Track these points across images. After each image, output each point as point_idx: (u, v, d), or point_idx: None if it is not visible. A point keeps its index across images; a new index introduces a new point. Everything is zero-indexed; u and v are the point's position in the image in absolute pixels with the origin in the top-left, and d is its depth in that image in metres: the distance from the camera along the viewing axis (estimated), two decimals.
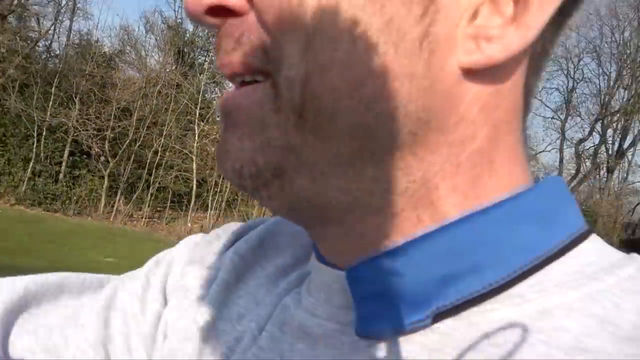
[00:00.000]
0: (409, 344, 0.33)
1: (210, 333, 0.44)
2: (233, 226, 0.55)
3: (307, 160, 0.34)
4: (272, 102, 0.33)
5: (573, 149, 27.47)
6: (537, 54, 0.35)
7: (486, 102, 0.34)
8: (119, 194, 19.16)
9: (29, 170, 17.65)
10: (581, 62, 26.64)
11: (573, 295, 0.31)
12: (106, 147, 18.87)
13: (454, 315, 0.32)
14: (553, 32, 0.36)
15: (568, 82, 27.23)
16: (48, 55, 21.00)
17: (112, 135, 18.81)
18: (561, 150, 27.56)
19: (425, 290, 0.33)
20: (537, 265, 0.32)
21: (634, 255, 0.35)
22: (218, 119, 0.38)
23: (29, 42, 19.61)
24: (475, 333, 0.32)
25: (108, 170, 18.77)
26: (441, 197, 0.33)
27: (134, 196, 19.40)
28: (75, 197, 18.40)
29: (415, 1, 0.31)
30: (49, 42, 20.74)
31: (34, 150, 17.88)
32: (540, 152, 27.98)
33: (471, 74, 0.32)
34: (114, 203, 19.12)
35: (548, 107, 28.07)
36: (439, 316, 0.32)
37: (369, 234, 0.35)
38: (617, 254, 0.35)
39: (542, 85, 27.42)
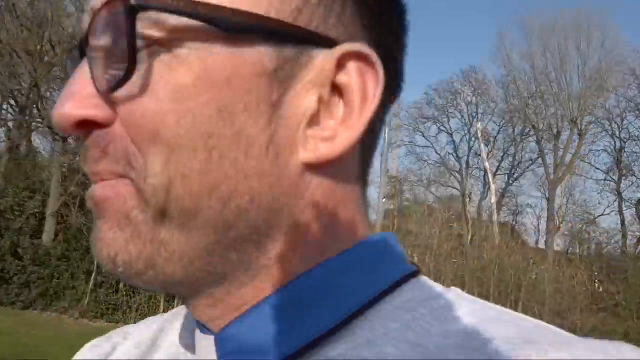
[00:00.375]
0: None
1: None
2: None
3: (175, 251, 0.38)
4: (136, 201, 0.38)
5: (634, 209, 26.45)
6: (367, 141, 0.43)
7: (327, 187, 0.41)
8: (177, 298, 19.25)
9: (91, 282, 18.08)
10: (625, 122, 26.42)
11: (393, 326, 0.38)
12: None
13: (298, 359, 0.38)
14: (384, 112, 0.44)
15: (615, 142, 26.72)
16: None
17: None
18: (621, 212, 26.42)
19: (273, 341, 0.39)
20: (366, 305, 0.39)
21: (453, 288, 0.42)
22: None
23: None
24: None
25: None
26: (293, 266, 0.40)
27: None
28: (135, 306, 18.58)
29: (261, 112, 0.38)
30: None
31: (95, 262, 18.40)
32: (598, 216, 26.94)
33: (313, 168, 0.40)
34: (173, 307, 19.19)
35: (599, 169, 27.21)
36: None
37: (233, 302, 0.41)
38: (436, 290, 0.42)
39: (589, 149, 27.07)
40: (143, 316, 18.81)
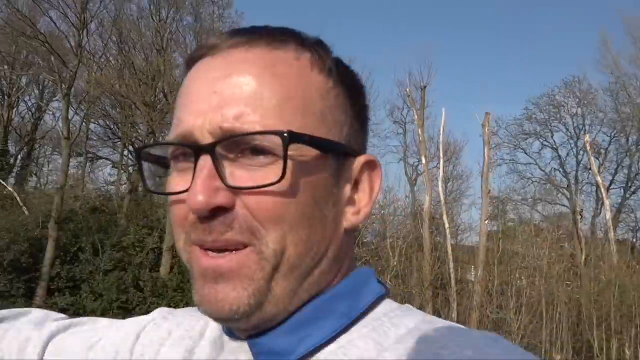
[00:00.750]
0: None
1: None
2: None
3: (277, 295, 0.59)
4: (258, 264, 0.58)
5: None
6: None
7: (348, 242, 0.67)
8: None
9: None
10: None
11: (364, 330, 0.61)
12: None
13: (310, 357, 0.60)
14: None
15: None
16: None
17: None
18: None
19: (288, 349, 0.60)
20: (352, 321, 0.62)
21: (406, 305, 0.66)
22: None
23: None
24: None
25: None
26: (296, 295, 0.61)
27: None
28: None
29: (330, 200, 0.62)
30: None
31: None
32: None
33: (352, 229, 0.65)
34: None
35: None
36: None
37: (268, 322, 0.61)
38: (394, 306, 0.65)
39: None
40: None
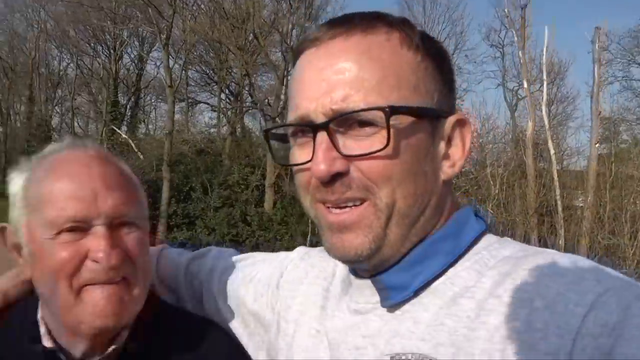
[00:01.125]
0: (405, 312, 0.74)
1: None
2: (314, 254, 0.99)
3: (391, 240, 0.73)
4: (374, 216, 0.72)
5: None
6: None
7: (448, 190, 0.79)
8: None
9: (307, 242, 20.17)
10: None
11: (467, 264, 0.75)
12: None
13: (423, 290, 0.74)
14: None
15: None
16: None
17: None
18: None
19: (404, 284, 0.74)
20: (457, 257, 0.75)
21: (505, 238, 0.78)
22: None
23: None
24: (437, 296, 0.73)
25: None
26: (408, 240, 0.75)
27: None
28: None
29: (429, 156, 0.75)
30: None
31: (310, 224, 20.46)
32: None
33: (449, 180, 0.78)
34: None
35: None
36: (415, 293, 0.74)
37: (388, 262, 0.76)
38: (493, 239, 0.78)
39: None
40: None
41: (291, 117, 0.77)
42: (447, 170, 0.76)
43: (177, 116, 24.58)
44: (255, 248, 20.38)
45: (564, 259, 0.65)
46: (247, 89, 22.54)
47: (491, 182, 18.51)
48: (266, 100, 22.39)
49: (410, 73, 0.74)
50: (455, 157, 0.77)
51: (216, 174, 21.24)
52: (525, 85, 16.45)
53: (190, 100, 27.36)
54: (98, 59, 28.99)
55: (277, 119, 20.95)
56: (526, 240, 18.09)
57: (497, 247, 0.75)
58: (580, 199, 17.05)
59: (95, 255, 0.86)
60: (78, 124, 33.26)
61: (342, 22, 0.75)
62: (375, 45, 0.73)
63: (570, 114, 23.63)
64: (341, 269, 0.88)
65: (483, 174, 20.97)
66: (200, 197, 20.29)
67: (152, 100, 31.97)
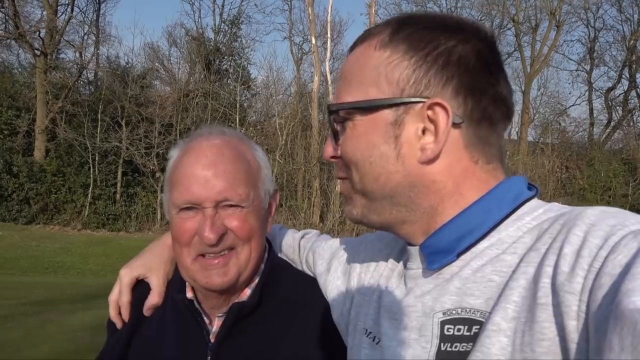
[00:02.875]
0: (452, 272, 0.80)
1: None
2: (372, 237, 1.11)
3: (371, 209, 0.85)
4: (352, 189, 0.86)
5: (603, 98, 27.32)
6: (470, 120, 0.79)
7: (444, 169, 0.79)
8: None
9: (89, 195, 18.64)
10: (600, 10, 26.66)
11: (511, 229, 0.77)
12: (155, 162, 19.63)
13: (466, 252, 0.79)
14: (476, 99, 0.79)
15: (589, 32, 27.04)
16: (89, 84, 21.88)
17: (160, 151, 19.52)
18: (590, 102, 27.37)
19: (452, 246, 0.80)
20: (497, 223, 0.78)
21: (553, 203, 0.80)
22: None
23: (70, 74, 20.39)
24: (480, 256, 0.77)
25: (160, 185, 19.54)
26: (440, 213, 0.81)
27: None
28: (134, 215, 19.31)
29: (390, 140, 0.79)
30: (87, 72, 21.55)
31: (91, 175, 18.81)
32: (569, 107, 28.04)
33: (429, 162, 0.78)
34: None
35: (571, 59, 27.86)
36: (458, 255, 0.80)
37: (422, 230, 0.84)
38: (536, 204, 0.80)
39: (563, 39, 27.34)
40: (142, 223, 19.35)
41: None
42: (417, 153, 0.79)
43: None
44: (26, 202, 18.00)
45: (593, 210, 0.69)
46: (9, 16, 19.01)
47: (278, 133, 19.45)
48: (37, 33, 19.27)
49: (371, 71, 0.82)
50: (424, 141, 0.78)
51: None
52: (313, 41, 17.42)
53: None
54: None
55: (51, 55, 18.36)
56: (309, 186, 19.65)
57: (542, 211, 0.78)
58: None
59: (200, 233, 1.07)
60: None
61: (356, 40, 0.88)
62: (356, 54, 0.87)
63: None
64: (401, 241, 0.97)
65: (269, 124, 21.80)
66: None
67: None
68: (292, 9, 25.16)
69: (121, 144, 18.96)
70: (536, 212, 0.78)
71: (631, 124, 27.00)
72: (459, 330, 0.75)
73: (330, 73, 18.78)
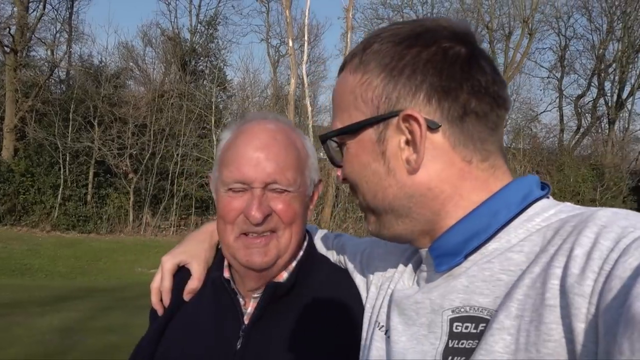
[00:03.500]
0: (460, 271, 0.79)
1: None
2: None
3: (383, 224, 0.86)
4: (363, 208, 0.89)
5: (572, 105, 27.91)
6: (451, 120, 0.78)
7: (437, 174, 0.79)
8: (145, 207, 19.67)
9: (59, 196, 18.20)
10: (571, 19, 27.45)
11: (520, 231, 0.76)
12: (128, 163, 19.32)
13: (472, 254, 0.79)
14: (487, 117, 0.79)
15: (560, 40, 27.70)
16: (61, 82, 21.41)
17: (133, 152, 19.22)
18: (560, 108, 27.99)
19: (459, 248, 0.79)
20: (509, 222, 0.77)
21: (565, 203, 0.79)
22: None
23: (41, 72, 19.91)
24: (487, 256, 0.77)
25: (133, 186, 19.30)
26: (443, 217, 0.81)
27: (160, 207, 19.90)
28: (105, 216, 18.91)
29: (378, 157, 0.82)
30: (59, 70, 21.08)
31: (61, 176, 18.39)
32: (541, 113, 28.44)
33: (414, 172, 0.79)
34: (142, 217, 19.66)
35: (543, 67, 28.49)
36: (466, 257, 0.79)
37: (428, 236, 0.84)
38: (548, 203, 0.78)
39: (535, 47, 27.94)
40: (113, 225, 19.00)
41: None
42: (404, 165, 0.80)
43: None
44: None
45: (604, 211, 0.68)
46: None
47: None
48: (7, 30, 18.76)
49: (348, 94, 0.85)
50: (406, 153, 0.80)
51: None
52: (290, 43, 17.42)
53: None
54: None
55: (21, 52, 17.91)
56: None
57: (553, 212, 0.76)
58: None
59: (247, 212, 1.10)
60: None
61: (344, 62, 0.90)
62: (339, 82, 0.90)
63: (323, 75, 25.95)
64: (411, 247, 1.00)
65: None
66: None
67: None
68: (269, 11, 25.18)
69: (93, 144, 18.62)
70: (547, 213, 0.77)
71: (599, 130, 27.72)
72: (466, 327, 0.76)
73: (307, 76, 18.81)
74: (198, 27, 24.86)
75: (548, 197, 0.82)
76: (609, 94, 26.85)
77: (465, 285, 0.78)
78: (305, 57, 18.31)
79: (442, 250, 0.82)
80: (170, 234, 19.58)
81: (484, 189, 0.80)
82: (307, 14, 17.93)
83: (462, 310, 0.77)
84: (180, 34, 24.73)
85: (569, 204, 0.79)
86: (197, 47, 24.16)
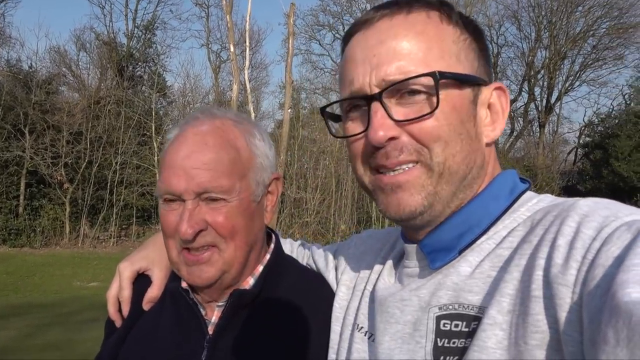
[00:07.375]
0: (450, 268, 0.79)
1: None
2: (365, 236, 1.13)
3: (442, 196, 0.79)
4: (426, 174, 0.78)
5: None
6: None
7: (491, 152, 0.85)
8: (82, 218, 18.86)
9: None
10: (502, 28, 28.65)
11: (507, 221, 0.79)
12: (63, 173, 18.48)
13: (466, 249, 0.79)
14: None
15: (492, 48, 28.93)
16: None
17: (68, 161, 18.39)
18: None
19: (453, 243, 0.80)
20: (500, 216, 0.80)
21: (544, 195, 0.82)
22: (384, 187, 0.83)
23: None
24: (479, 252, 0.78)
25: (69, 197, 18.45)
26: (466, 199, 0.82)
27: (99, 218, 19.15)
28: (39, 229, 17.97)
29: (472, 119, 0.80)
30: None
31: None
32: None
33: (491, 143, 0.84)
34: (79, 228, 18.84)
35: None
36: (460, 252, 0.79)
37: (431, 225, 0.82)
38: (531, 196, 0.82)
39: None
40: (48, 238, 18.13)
41: (345, 93, 0.83)
42: (489, 133, 0.82)
43: None
44: None
45: (585, 201, 0.69)
46: None
47: None
48: None
49: (452, 44, 0.80)
50: (495, 121, 0.82)
51: None
52: (232, 49, 17.25)
53: None
54: None
55: None
56: None
57: (535, 202, 0.79)
58: None
59: (178, 228, 1.00)
60: None
61: (385, 7, 0.83)
62: (418, 22, 0.80)
63: (265, 80, 25.85)
64: (399, 241, 0.96)
65: None
66: None
67: None
68: (209, 16, 24.97)
69: (24, 154, 17.68)
70: (530, 203, 0.79)
71: (531, 133, 29.12)
72: (456, 326, 0.74)
73: (250, 82, 18.68)
74: (135, 32, 24.24)
75: (530, 190, 0.85)
76: (538, 99, 28.29)
77: (455, 282, 0.77)
78: (247, 63, 18.19)
79: (436, 246, 0.81)
80: (110, 245, 18.86)
81: (492, 176, 0.85)
82: (248, 19, 17.83)
83: (450, 307, 0.76)
84: (117, 38, 24.02)
85: (549, 195, 0.82)
86: (134, 52, 23.51)
